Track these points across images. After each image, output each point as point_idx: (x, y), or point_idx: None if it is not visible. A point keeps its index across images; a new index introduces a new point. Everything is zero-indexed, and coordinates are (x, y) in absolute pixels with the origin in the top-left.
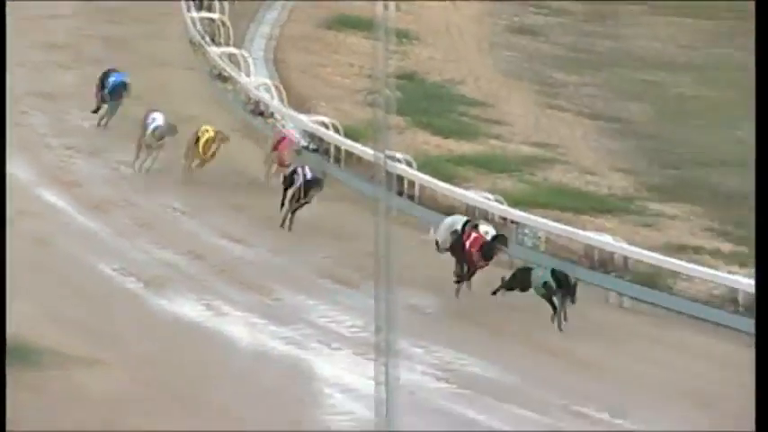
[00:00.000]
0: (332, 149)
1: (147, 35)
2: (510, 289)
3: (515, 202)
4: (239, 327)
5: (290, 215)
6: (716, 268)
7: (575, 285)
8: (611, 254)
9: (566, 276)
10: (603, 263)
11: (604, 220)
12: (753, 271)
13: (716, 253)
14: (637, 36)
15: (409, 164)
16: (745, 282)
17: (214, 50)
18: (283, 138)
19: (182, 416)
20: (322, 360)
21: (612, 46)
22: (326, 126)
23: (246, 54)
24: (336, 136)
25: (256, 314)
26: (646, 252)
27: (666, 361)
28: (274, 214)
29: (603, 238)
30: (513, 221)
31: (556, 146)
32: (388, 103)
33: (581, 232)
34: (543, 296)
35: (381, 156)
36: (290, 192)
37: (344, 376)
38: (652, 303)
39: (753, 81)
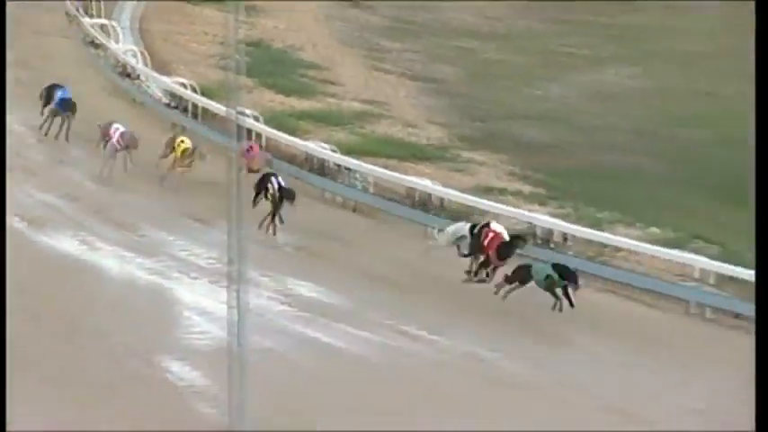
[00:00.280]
0: (190, 106)
1: (29, 8)
2: (510, 283)
3: (348, 151)
4: (111, 260)
5: (270, 221)
6: (518, 207)
7: (575, 274)
8: (430, 195)
9: (566, 268)
10: (423, 203)
11: (423, 167)
12: (550, 209)
13: (518, 194)
14: (451, 9)
15: (257, 118)
16: (542, 218)
17: (87, 21)
18: (251, 147)
19: (62, 336)
20: (182, 288)
21: (430, 17)
22: (185, 86)
23: (115, 24)
24: (194, 95)
25: (125, 248)
26: (459, 193)
27: (476, 285)
28: (141, 162)
29: (423, 181)
30: (346, 168)
31: (382, 103)
32: (239, 66)
33: (404, 177)
34: (546, 288)
35: (233, 111)
36: (260, 197)
37: (202, 301)
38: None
39: (547, 46)
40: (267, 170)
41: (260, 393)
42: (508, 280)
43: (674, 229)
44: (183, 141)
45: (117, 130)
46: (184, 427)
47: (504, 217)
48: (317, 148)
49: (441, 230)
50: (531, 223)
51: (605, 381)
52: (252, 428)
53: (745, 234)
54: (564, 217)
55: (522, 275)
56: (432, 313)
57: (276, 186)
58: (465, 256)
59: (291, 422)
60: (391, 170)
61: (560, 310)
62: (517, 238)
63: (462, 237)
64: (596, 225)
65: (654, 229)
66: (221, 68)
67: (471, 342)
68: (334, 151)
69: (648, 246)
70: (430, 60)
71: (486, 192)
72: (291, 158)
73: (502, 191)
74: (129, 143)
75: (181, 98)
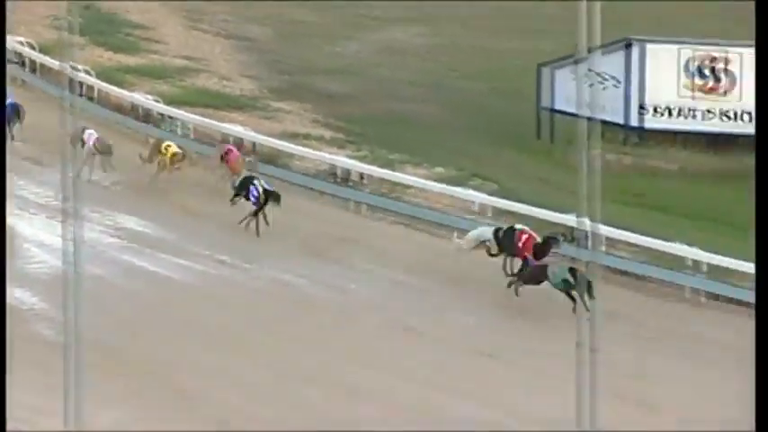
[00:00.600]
0: (28, 62)
1: None
2: (525, 282)
3: (170, 102)
4: None
5: (253, 221)
6: (320, 150)
7: (590, 281)
8: (242, 140)
9: (581, 272)
10: (238, 148)
11: (237, 115)
12: (348, 152)
13: (320, 139)
14: None
15: (88, 73)
16: (342, 159)
17: None
18: (230, 150)
19: None
20: (23, 223)
21: None
22: (24, 44)
23: None
24: (32, 51)
25: None
26: (269, 138)
27: (288, 220)
28: None
29: (236, 128)
30: (169, 116)
31: (200, 59)
32: (72, 26)
33: (220, 124)
34: (562, 290)
35: (66, 66)
36: (252, 206)
37: (40, 235)
38: (275, 177)
39: (344, 8)
40: (247, 173)
41: (93, 316)
42: (525, 279)
43: (456, 168)
44: (170, 146)
45: (91, 135)
46: (27, 345)
47: (310, 159)
48: (142, 98)
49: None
50: (332, 164)
51: (398, 302)
52: (86, 347)
53: (519, 174)
54: (361, 159)
55: (538, 274)
56: (245, 244)
57: (260, 190)
58: (493, 256)
59: (121, 341)
60: (209, 118)
61: (574, 310)
62: (551, 239)
63: (487, 240)
64: (389, 165)
65: (439, 169)
66: (56, 28)
67: (280, 270)
68: (157, 101)
69: (434, 183)
70: (242, 21)
71: (293, 137)
72: (119, 108)
73: (306, 136)
74: (103, 150)
75: (21, 55)
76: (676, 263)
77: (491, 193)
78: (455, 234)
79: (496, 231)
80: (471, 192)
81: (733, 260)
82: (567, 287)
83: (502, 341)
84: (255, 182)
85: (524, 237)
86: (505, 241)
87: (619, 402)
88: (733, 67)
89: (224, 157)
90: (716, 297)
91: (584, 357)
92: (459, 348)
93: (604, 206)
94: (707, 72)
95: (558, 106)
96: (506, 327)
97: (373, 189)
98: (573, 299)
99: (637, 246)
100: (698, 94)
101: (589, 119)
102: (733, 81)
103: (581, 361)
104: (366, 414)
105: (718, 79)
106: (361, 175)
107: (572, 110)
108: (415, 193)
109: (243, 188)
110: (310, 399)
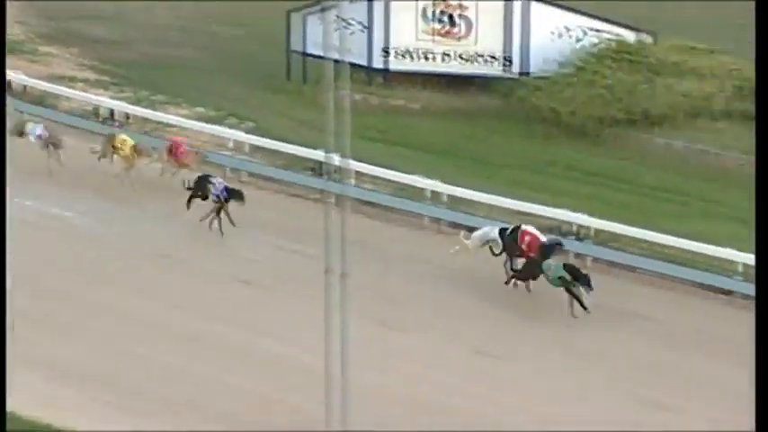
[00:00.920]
0: None
1: None
2: (523, 280)
3: None
4: None
5: (215, 217)
6: (87, 91)
7: (587, 276)
8: (10, 82)
9: (576, 269)
10: (18, 94)
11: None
12: (112, 93)
13: (86, 81)
14: None
15: None
16: (107, 101)
17: None
18: (178, 145)
19: None
20: None
21: None
22: None
23: None
24: None
25: None
26: (37, 81)
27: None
28: None
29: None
30: None
31: None
32: None
33: None
34: (562, 287)
35: None
36: (210, 201)
37: None
38: (43, 117)
39: None
40: (202, 174)
41: None
42: (520, 277)
43: (215, 109)
44: (125, 140)
45: (35, 127)
46: None
47: (75, 100)
48: None
49: (467, 237)
50: (96, 105)
51: (159, 234)
52: None
53: (274, 113)
54: (125, 100)
55: (533, 272)
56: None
57: (221, 188)
58: (497, 255)
59: None
60: None
61: (571, 308)
62: (555, 240)
63: (492, 239)
64: (151, 106)
65: (199, 109)
66: None
67: (55, 205)
68: None
69: (194, 122)
70: None
71: (60, 79)
72: None
73: (72, 78)
74: (51, 141)
75: None
76: (418, 194)
77: (248, 132)
78: (461, 233)
79: (502, 231)
80: (227, 129)
81: (469, 191)
82: (564, 284)
83: (261, 270)
84: (213, 180)
85: (527, 237)
86: (510, 241)
87: (366, 323)
88: (469, 14)
89: (171, 151)
90: (456, 226)
91: (333, 282)
92: (217, 276)
93: (353, 142)
94: (444, 18)
95: (309, 50)
96: (266, 256)
97: (138, 128)
98: (575, 296)
99: (382, 179)
100: (437, 38)
101: (336, 61)
102: (469, 26)
103: (330, 285)
104: (126, 335)
105: (454, 24)
106: (127, 116)
107: (321, 53)
108: (177, 131)
109: (200, 188)
110: (71, 318)
